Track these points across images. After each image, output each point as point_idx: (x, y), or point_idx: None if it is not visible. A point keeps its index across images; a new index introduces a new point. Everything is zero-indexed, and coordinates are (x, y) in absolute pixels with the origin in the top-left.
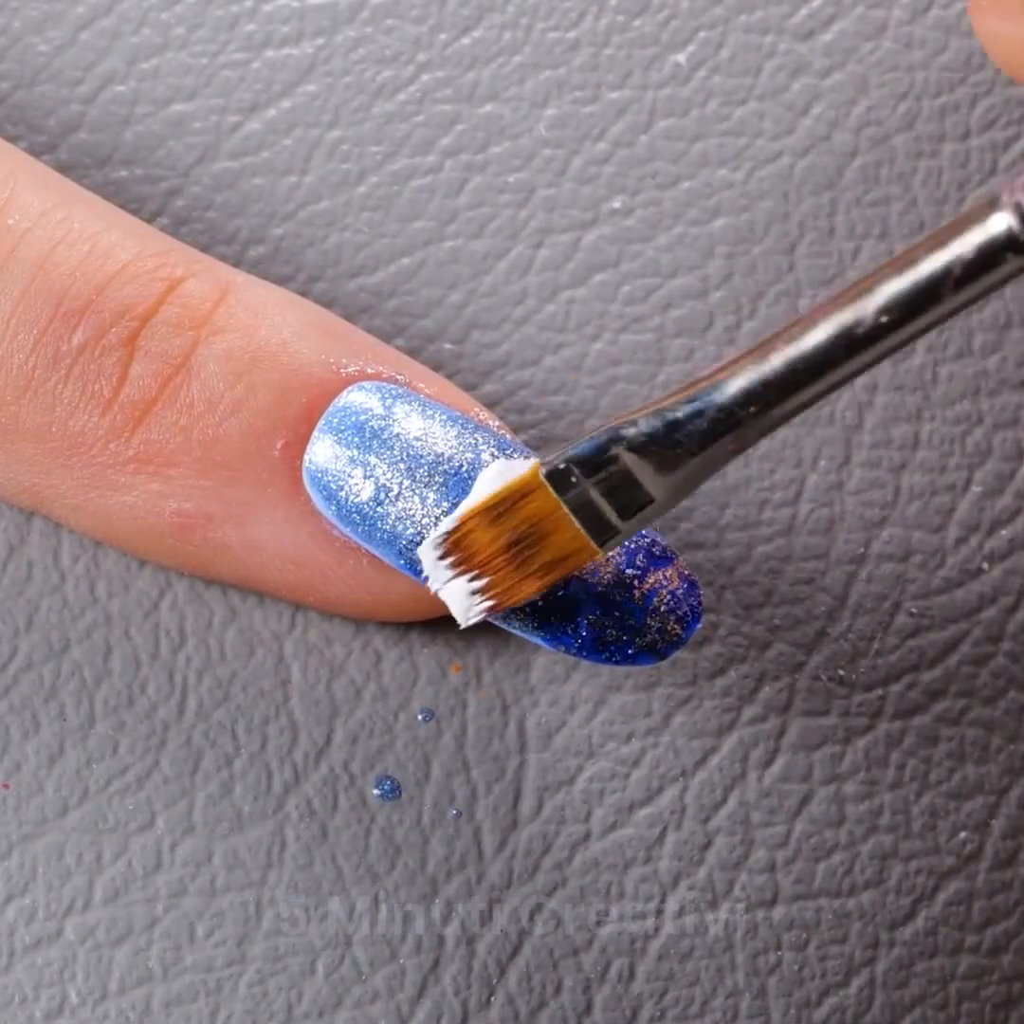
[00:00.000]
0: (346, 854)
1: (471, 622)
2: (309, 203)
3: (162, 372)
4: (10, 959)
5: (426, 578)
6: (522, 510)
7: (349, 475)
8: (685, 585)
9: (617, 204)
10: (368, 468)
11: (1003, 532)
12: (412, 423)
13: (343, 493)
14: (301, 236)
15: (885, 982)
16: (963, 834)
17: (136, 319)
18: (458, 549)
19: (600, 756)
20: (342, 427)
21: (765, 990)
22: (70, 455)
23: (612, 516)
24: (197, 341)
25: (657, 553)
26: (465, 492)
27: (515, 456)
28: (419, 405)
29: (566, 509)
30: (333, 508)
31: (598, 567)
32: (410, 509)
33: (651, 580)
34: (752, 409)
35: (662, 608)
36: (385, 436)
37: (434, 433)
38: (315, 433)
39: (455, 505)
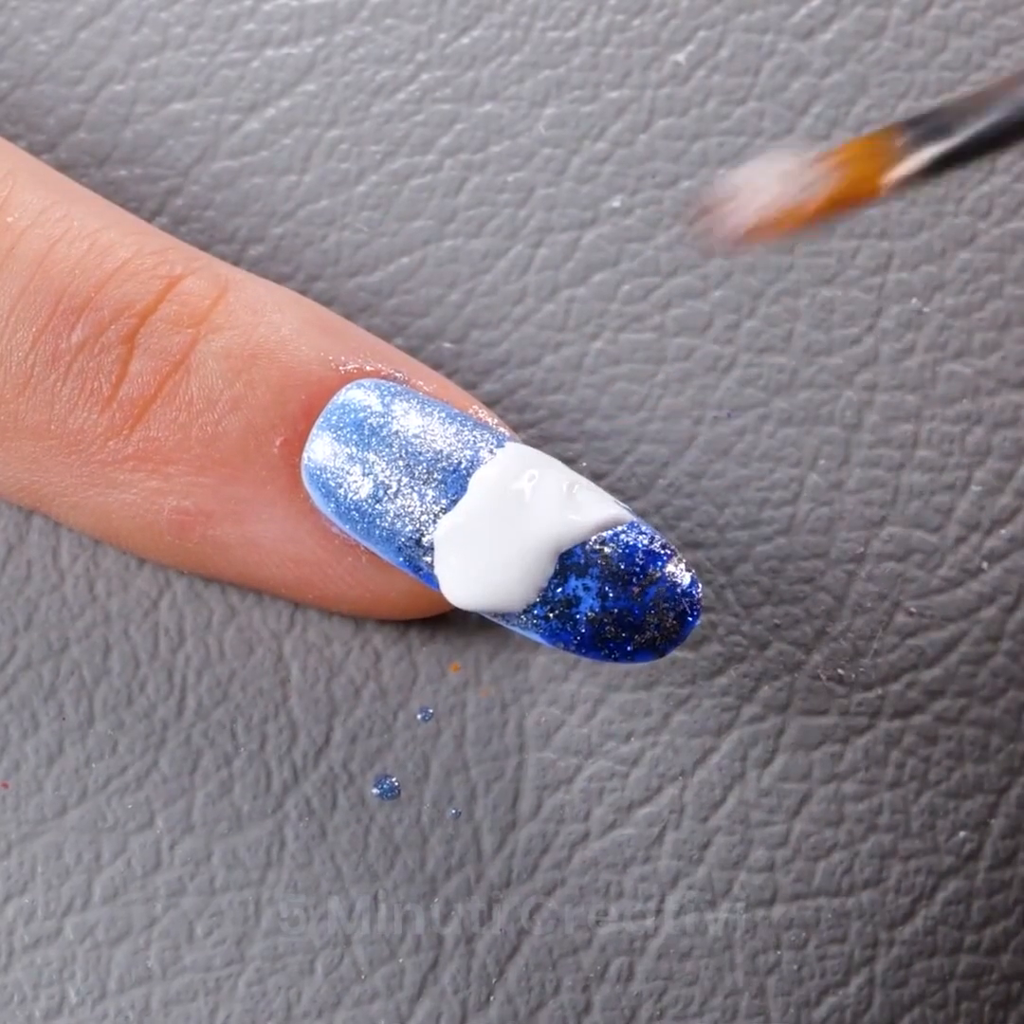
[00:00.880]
0: (345, 853)
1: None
2: (308, 202)
3: (161, 369)
4: (9, 958)
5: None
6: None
7: (348, 472)
8: (684, 582)
9: (616, 203)
10: (367, 465)
11: (1003, 531)
12: (411, 420)
13: (342, 490)
14: (300, 235)
15: (884, 981)
16: (962, 833)
17: (135, 316)
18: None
19: (599, 755)
20: (341, 424)
21: (764, 989)
22: (69, 453)
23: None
24: (196, 338)
25: (656, 550)
26: (463, 490)
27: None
28: (418, 402)
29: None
30: (332, 505)
31: (599, 564)
32: (409, 506)
33: (650, 577)
34: None
35: (661, 605)
36: (384, 433)
37: (433, 430)
38: (314, 430)
39: (453, 503)
